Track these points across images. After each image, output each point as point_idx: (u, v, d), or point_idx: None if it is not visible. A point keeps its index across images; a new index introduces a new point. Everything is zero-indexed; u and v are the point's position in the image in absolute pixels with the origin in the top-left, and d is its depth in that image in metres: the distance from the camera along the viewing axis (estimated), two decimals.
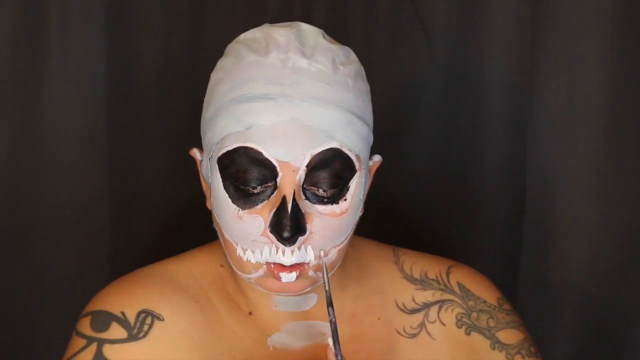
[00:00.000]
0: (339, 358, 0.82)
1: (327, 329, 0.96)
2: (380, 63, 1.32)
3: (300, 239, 0.86)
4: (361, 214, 0.94)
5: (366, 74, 0.94)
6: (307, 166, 0.86)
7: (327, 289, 0.88)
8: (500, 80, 1.30)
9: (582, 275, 1.30)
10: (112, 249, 1.31)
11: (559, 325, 1.32)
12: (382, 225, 1.20)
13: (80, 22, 1.25)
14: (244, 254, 0.89)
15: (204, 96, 1.01)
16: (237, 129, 0.87)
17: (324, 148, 0.86)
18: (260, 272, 0.89)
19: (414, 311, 1.00)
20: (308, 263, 0.88)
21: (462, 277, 1.03)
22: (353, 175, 0.89)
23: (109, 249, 1.31)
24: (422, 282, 1.02)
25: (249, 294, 0.96)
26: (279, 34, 0.90)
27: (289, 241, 0.85)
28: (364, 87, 0.93)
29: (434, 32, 1.31)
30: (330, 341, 0.83)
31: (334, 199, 0.88)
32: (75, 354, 0.90)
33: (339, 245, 0.90)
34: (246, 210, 0.87)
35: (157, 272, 0.96)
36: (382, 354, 0.97)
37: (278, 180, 0.86)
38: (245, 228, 0.88)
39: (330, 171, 0.87)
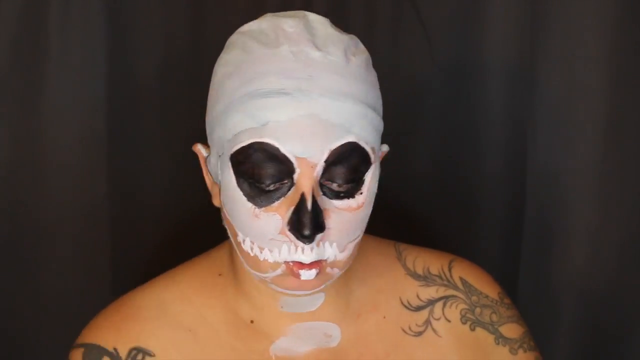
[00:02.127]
0: None
1: (333, 329, 0.95)
2: (380, 63, 1.32)
3: (319, 235, 0.84)
4: None
5: None
6: (325, 162, 0.84)
7: None
8: (500, 79, 1.30)
9: (582, 275, 1.30)
10: (113, 249, 1.31)
11: (559, 325, 1.32)
12: (381, 224, 1.20)
13: (80, 22, 1.25)
14: (261, 253, 0.87)
15: (204, 96, 1.00)
16: (251, 125, 0.84)
17: (341, 142, 0.84)
18: (278, 271, 0.87)
19: (419, 308, 0.99)
20: (326, 260, 0.86)
21: (464, 271, 1.02)
22: (368, 168, 0.87)
23: (110, 249, 1.31)
24: (426, 278, 1.01)
25: (254, 297, 0.95)
26: (288, 24, 0.87)
27: (310, 239, 0.83)
28: (374, 76, 0.91)
29: (434, 32, 1.31)
30: None
31: (350, 193, 0.86)
32: None
33: (355, 239, 0.88)
34: (262, 209, 0.85)
35: (150, 302, 0.95)
36: (388, 354, 0.96)
37: (295, 176, 0.84)
38: (261, 227, 0.85)
39: (347, 166, 0.85)
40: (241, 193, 0.86)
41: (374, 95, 0.89)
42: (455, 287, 1.01)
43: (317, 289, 0.90)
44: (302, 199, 0.83)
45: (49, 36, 1.25)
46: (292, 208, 0.84)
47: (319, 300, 0.95)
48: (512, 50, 1.29)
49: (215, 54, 0.94)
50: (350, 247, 0.88)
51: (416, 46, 1.32)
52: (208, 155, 0.92)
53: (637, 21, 1.23)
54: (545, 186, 1.30)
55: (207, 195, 0.95)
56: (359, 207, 0.87)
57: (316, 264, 0.86)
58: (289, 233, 0.84)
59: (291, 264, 0.86)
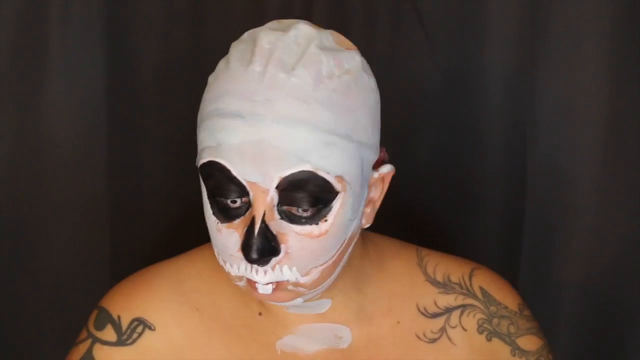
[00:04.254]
0: None
1: (343, 331, 0.95)
2: (380, 63, 1.32)
3: (275, 259, 0.84)
4: (367, 225, 0.92)
5: None
6: (277, 188, 0.82)
7: None
8: (501, 80, 1.30)
9: (582, 274, 1.30)
10: (112, 247, 1.32)
11: (559, 324, 1.32)
12: (382, 223, 1.20)
13: (80, 22, 1.25)
14: (224, 265, 0.88)
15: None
16: (210, 144, 0.84)
17: (293, 171, 0.82)
18: (244, 282, 0.88)
19: (435, 315, 0.99)
20: (287, 280, 0.86)
21: (485, 281, 1.01)
22: (335, 197, 0.84)
23: (109, 247, 1.32)
24: (445, 286, 1.00)
25: None
26: (267, 40, 0.85)
27: (258, 262, 0.84)
28: (360, 99, 0.86)
29: (434, 32, 1.31)
30: None
31: (312, 220, 0.84)
32: (77, 343, 0.95)
33: (321, 265, 0.86)
34: (224, 224, 0.85)
35: (167, 273, 0.97)
36: (399, 358, 0.96)
37: (251, 197, 0.83)
38: (223, 241, 0.86)
39: (305, 193, 0.83)
40: (209, 205, 0.87)
41: (349, 121, 0.84)
42: (475, 297, 1.00)
43: (307, 298, 0.89)
44: (252, 222, 0.83)
45: (49, 36, 1.25)
46: (245, 229, 0.84)
47: (325, 305, 0.94)
48: (512, 51, 1.29)
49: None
50: (316, 272, 0.86)
51: (416, 46, 1.32)
52: None
53: (637, 21, 1.23)
54: (545, 185, 1.30)
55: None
56: (321, 235, 0.84)
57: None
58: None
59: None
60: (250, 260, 0.83)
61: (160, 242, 1.33)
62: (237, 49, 0.87)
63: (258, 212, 0.83)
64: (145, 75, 1.30)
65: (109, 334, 0.94)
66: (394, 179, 1.30)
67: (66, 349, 0.96)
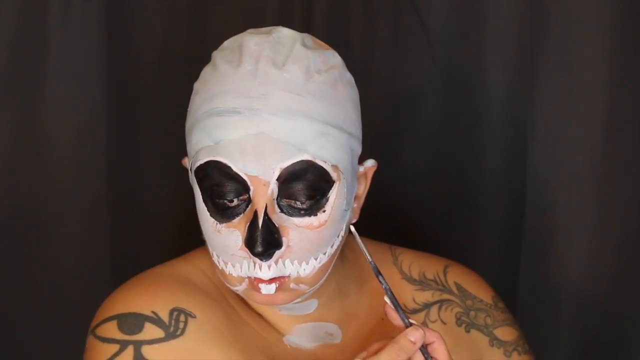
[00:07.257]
0: (406, 322, 0.84)
1: (332, 329, 0.97)
2: (380, 63, 1.32)
3: (277, 253, 0.86)
4: (354, 221, 0.94)
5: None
6: (277, 180, 0.85)
7: (370, 260, 0.87)
8: (500, 80, 1.29)
9: (581, 276, 1.30)
10: (113, 248, 1.32)
11: (559, 325, 1.32)
12: (380, 225, 1.20)
13: (80, 22, 1.26)
14: (226, 267, 0.88)
15: None
16: (207, 144, 0.86)
17: (294, 161, 0.85)
18: (244, 285, 0.89)
19: (415, 311, 1.01)
20: (288, 276, 0.87)
21: (459, 276, 1.04)
22: (331, 186, 0.87)
23: (109, 248, 1.32)
24: (421, 283, 1.03)
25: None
26: (254, 42, 0.88)
27: (262, 256, 0.85)
28: (346, 93, 0.90)
29: (434, 32, 1.31)
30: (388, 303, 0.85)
31: (311, 211, 0.87)
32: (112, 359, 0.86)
33: (321, 256, 0.89)
34: (224, 224, 0.87)
35: (171, 272, 0.94)
36: None
37: (251, 194, 0.85)
38: (223, 242, 0.87)
39: (304, 183, 0.85)
40: (205, 208, 0.88)
41: (340, 113, 0.88)
42: (450, 292, 1.03)
43: (297, 301, 0.91)
44: (255, 215, 0.85)
45: (49, 36, 1.25)
46: (247, 225, 0.85)
47: (312, 305, 0.96)
48: (512, 51, 1.29)
49: None
50: (315, 263, 0.88)
51: (416, 46, 1.32)
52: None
53: (636, 21, 1.23)
54: (544, 187, 1.30)
55: None
56: (320, 225, 0.87)
57: (276, 279, 0.87)
58: (246, 249, 0.86)
59: (252, 277, 0.87)
60: (256, 254, 0.84)
61: (161, 241, 1.33)
62: (221, 54, 0.90)
63: (260, 205, 0.85)
64: (145, 75, 1.30)
65: (151, 331, 0.87)
66: (393, 178, 1.31)
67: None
